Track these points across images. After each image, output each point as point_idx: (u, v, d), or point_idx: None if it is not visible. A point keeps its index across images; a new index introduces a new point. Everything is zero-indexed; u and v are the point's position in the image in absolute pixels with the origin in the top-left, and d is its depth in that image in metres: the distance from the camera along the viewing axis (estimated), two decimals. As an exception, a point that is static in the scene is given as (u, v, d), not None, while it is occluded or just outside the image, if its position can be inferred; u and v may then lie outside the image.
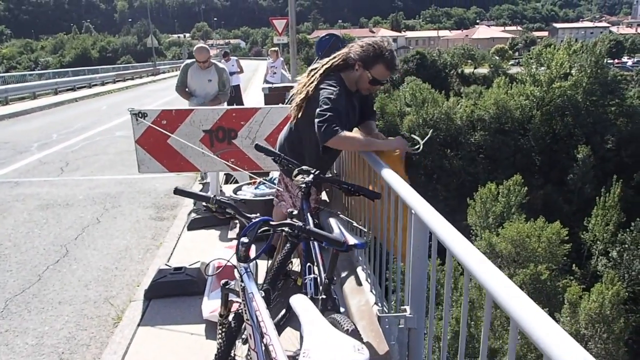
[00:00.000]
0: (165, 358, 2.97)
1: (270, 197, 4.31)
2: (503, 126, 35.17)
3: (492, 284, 1.25)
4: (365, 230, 3.06)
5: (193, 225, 5.01)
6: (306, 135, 2.92)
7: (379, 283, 2.66)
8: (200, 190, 6.63)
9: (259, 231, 1.91)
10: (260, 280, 2.87)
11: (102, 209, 6.21)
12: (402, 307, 2.17)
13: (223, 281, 2.04)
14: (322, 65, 2.84)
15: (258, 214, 1.93)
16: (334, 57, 2.87)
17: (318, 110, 2.57)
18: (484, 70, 51.72)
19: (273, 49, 13.56)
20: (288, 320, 2.90)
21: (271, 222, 1.89)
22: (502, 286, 1.23)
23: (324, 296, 2.13)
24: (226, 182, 7.35)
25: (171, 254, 4.48)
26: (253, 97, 16.46)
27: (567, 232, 23.86)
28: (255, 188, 4.83)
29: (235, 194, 4.76)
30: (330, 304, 2.16)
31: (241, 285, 1.83)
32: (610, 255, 25.03)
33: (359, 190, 2.60)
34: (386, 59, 2.62)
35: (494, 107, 35.42)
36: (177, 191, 1.98)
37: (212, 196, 1.95)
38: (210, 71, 5.74)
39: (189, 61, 5.85)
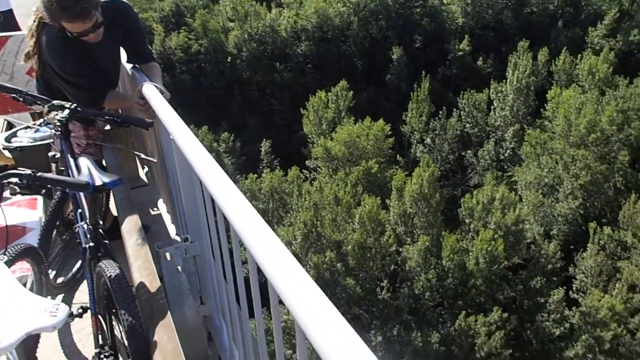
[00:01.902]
0: None
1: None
2: (325, 34, 36.11)
3: (235, 217, 1.21)
4: (155, 161, 2.86)
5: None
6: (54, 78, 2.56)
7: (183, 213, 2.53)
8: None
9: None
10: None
11: None
12: (184, 235, 2.08)
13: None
14: (34, 17, 2.40)
15: (-28, 169, 1.59)
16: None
17: (65, 88, 2.49)
18: (302, -23, 51.26)
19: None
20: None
21: (-12, 176, 1.57)
22: (243, 218, 1.19)
23: (91, 244, 1.92)
24: (10, 128, 6.25)
25: None
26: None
27: (390, 127, 26.56)
28: (35, 132, 4.13)
29: (10, 142, 4.02)
30: (103, 250, 1.97)
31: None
32: (425, 142, 28.74)
33: (126, 121, 2.35)
34: (55, 13, 2.15)
35: (315, 16, 35.90)
36: None
37: None
38: None
39: None
